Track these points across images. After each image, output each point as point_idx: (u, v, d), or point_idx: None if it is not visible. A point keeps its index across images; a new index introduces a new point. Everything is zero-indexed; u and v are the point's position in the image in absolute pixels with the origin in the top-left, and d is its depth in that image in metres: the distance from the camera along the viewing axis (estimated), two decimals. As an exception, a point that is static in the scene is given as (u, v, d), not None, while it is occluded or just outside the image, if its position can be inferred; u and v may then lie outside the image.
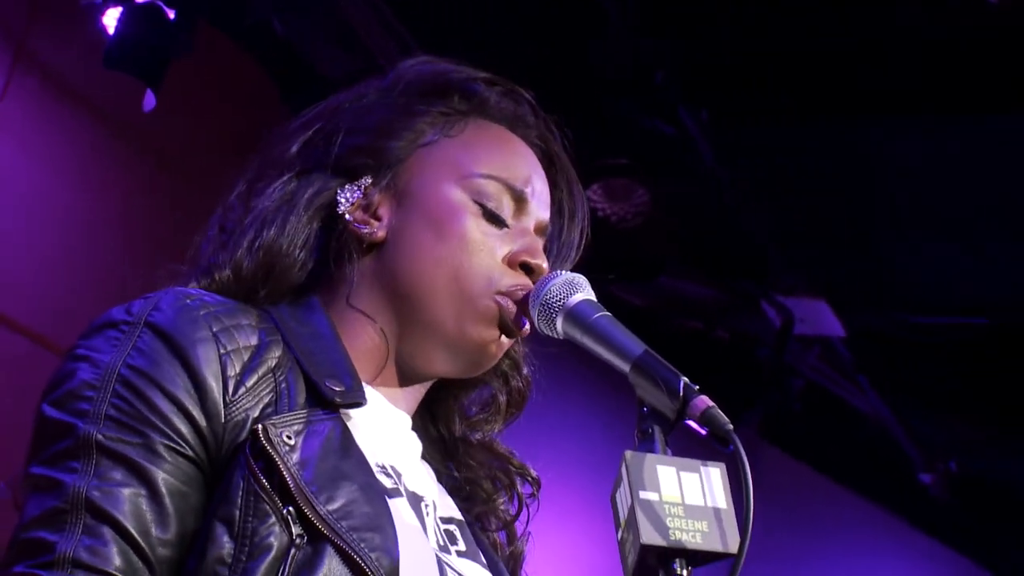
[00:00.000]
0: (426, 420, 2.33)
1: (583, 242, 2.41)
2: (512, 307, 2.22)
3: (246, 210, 2.27)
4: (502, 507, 2.34)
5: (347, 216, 2.25)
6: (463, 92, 2.35)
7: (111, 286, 5.27)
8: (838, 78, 5.80)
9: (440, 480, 2.29)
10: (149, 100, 5.86)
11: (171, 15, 5.73)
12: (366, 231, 2.25)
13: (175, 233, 5.80)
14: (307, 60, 6.28)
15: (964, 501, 7.70)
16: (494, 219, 2.25)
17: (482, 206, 2.25)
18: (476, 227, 2.24)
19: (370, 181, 2.27)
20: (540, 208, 2.31)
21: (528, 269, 2.22)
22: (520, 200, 2.28)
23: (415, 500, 2.17)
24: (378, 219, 2.27)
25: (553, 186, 2.37)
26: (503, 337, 2.23)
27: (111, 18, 5.74)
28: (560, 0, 5.79)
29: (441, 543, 2.16)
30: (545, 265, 2.24)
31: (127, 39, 5.75)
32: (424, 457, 2.28)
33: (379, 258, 2.25)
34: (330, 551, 1.94)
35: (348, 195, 2.26)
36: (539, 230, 2.30)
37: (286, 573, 1.93)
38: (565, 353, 2.25)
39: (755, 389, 6.69)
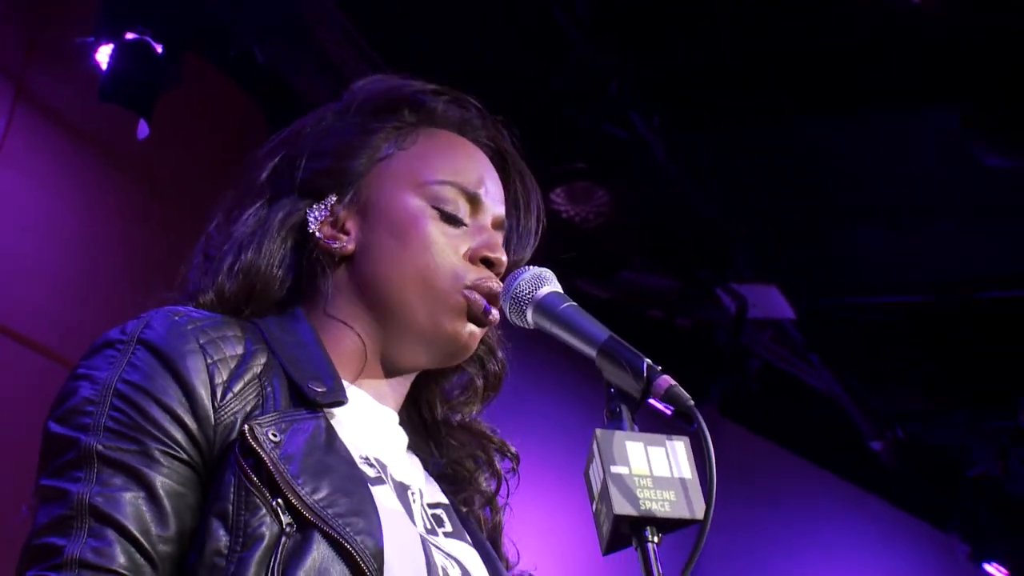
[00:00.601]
0: (411, 408, 2.32)
1: (540, 229, 2.41)
2: (479, 299, 2.21)
3: (225, 237, 2.26)
4: (484, 484, 2.32)
5: (317, 234, 2.24)
6: (412, 105, 2.33)
7: (112, 302, 5.28)
8: (778, 80, 5.82)
9: (427, 468, 2.28)
10: (142, 129, 5.86)
11: (159, 49, 5.71)
12: (336, 246, 2.24)
13: (168, 254, 5.79)
14: (289, 86, 6.28)
15: (911, 465, 7.72)
16: (452, 220, 2.24)
17: (439, 210, 2.24)
18: (436, 230, 2.22)
19: (335, 199, 2.26)
20: (495, 205, 2.30)
21: (488, 263, 2.22)
22: (474, 200, 2.27)
23: (401, 488, 2.16)
24: (346, 233, 2.25)
25: (506, 181, 2.36)
26: (474, 327, 2.22)
27: (103, 55, 5.73)
28: (520, 21, 5.78)
29: (428, 526, 2.16)
30: (504, 257, 2.24)
31: (119, 74, 5.74)
32: (410, 449, 2.27)
33: (351, 269, 2.25)
34: (318, 537, 1.94)
35: (316, 214, 2.25)
36: (496, 225, 2.29)
37: (279, 560, 1.92)
38: (539, 342, 2.26)
39: (714, 371, 6.71)
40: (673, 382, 1.96)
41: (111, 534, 1.93)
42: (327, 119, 2.34)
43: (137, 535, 1.93)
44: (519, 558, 2.33)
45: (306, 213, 2.24)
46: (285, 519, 1.94)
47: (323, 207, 2.25)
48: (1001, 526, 7.48)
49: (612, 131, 6.06)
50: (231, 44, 6.08)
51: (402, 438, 2.24)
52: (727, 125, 6.14)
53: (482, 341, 2.31)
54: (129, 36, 5.70)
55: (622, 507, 1.87)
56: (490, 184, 2.30)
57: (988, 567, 7.53)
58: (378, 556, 1.95)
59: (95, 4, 5.83)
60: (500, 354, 2.36)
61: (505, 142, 2.37)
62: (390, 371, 2.24)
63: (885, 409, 7.54)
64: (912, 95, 5.75)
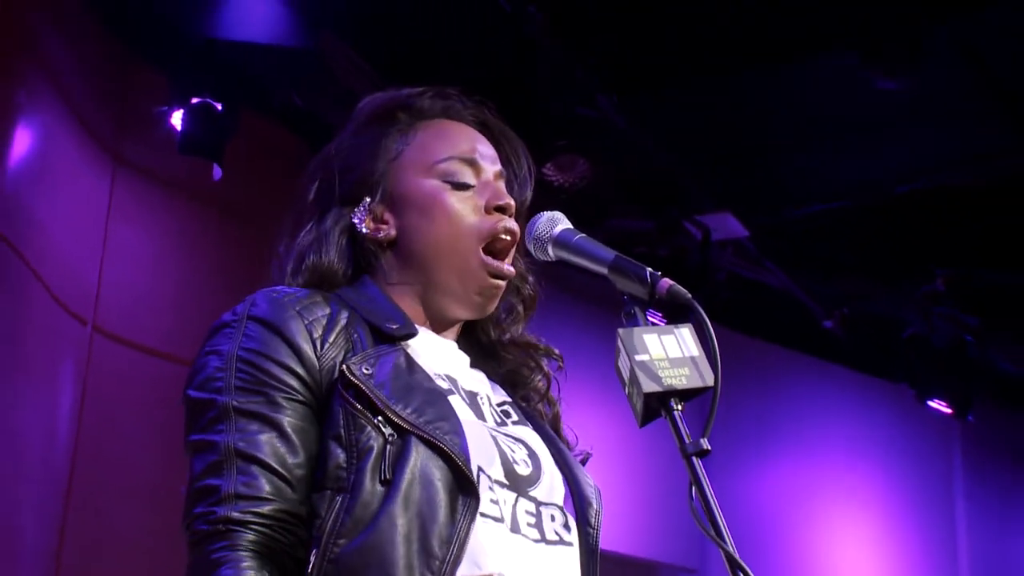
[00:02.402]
0: (469, 336, 2.29)
1: (533, 172, 2.36)
2: (495, 264, 2.20)
3: (292, 252, 2.24)
4: (538, 383, 2.29)
5: (364, 230, 2.21)
6: (403, 108, 2.28)
7: (204, 309, 5.29)
8: (709, 47, 5.82)
9: (491, 378, 2.25)
10: (216, 172, 5.93)
11: (219, 108, 5.79)
12: (381, 235, 2.21)
13: (244, 268, 5.90)
14: (325, 121, 6.31)
15: (858, 335, 7.73)
16: (461, 187, 2.20)
17: (449, 182, 2.20)
18: (452, 198, 2.19)
19: (370, 200, 2.22)
20: (491, 163, 2.25)
21: (500, 208, 2.20)
22: (473, 164, 2.22)
23: (471, 395, 2.14)
24: (385, 223, 2.22)
25: (496, 143, 2.30)
26: (497, 282, 2.20)
27: (177, 119, 5.82)
28: (496, 38, 5.79)
29: (498, 420, 2.15)
30: (511, 201, 2.22)
31: (191, 131, 5.83)
32: (474, 366, 2.24)
33: (396, 250, 2.21)
34: (415, 441, 1.93)
35: (359, 215, 2.22)
36: (497, 177, 2.25)
37: (387, 464, 1.92)
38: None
39: (691, 286, 6.72)
40: (672, 282, 1.98)
41: (255, 469, 1.94)
42: (346, 140, 2.30)
43: (276, 466, 1.94)
44: (578, 440, 2.31)
45: (351, 217, 2.22)
46: (387, 432, 1.94)
47: (362, 208, 2.22)
48: (935, 371, 7.50)
49: (583, 112, 6.08)
50: (274, 95, 6.11)
51: (464, 359, 2.22)
52: (672, 90, 6.14)
53: (517, 273, 2.28)
54: (194, 101, 5.78)
55: (649, 386, 1.87)
56: (482, 148, 2.26)
57: (932, 403, 7.56)
58: (464, 450, 1.95)
59: (164, 80, 5.89)
60: (531, 279, 2.32)
61: (485, 114, 2.33)
62: (442, 321, 2.22)
63: (831, 294, 7.54)
64: (818, 43, 5.76)
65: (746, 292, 7.42)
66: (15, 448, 5.41)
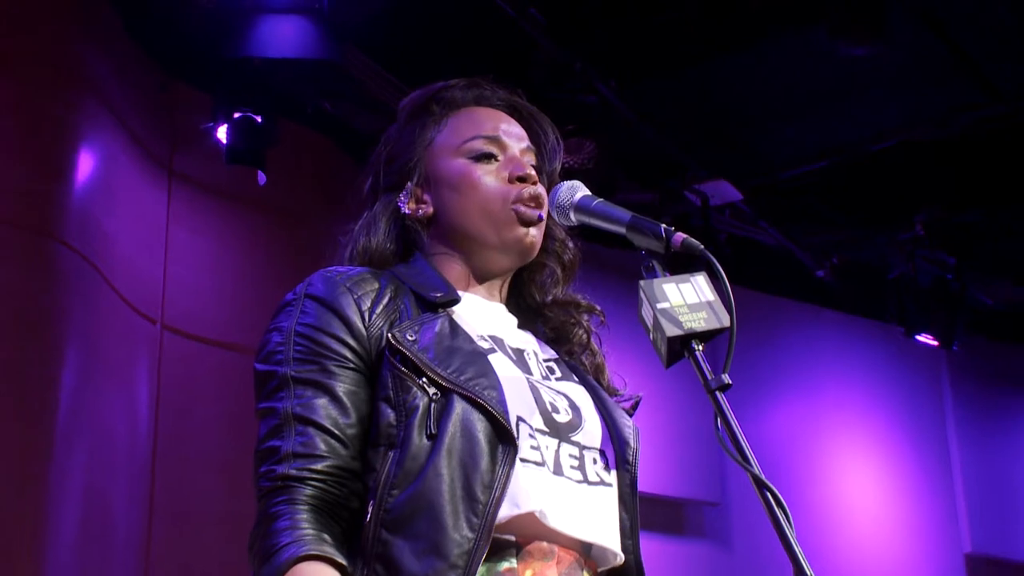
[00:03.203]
0: (517, 299, 2.30)
1: (560, 146, 2.34)
2: (525, 210, 2.17)
3: (349, 239, 2.26)
4: (581, 336, 2.27)
5: (406, 210, 2.22)
6: (437, 100, 2.28)
7: (258, 301, 5.36)
8: (695, 32, 5.82)
9: (538, 337, 2.24)
10: (261, 178, 5.98)
11: (259, 120, 5.81)
12: (421, 213, 2.21)
13: (290, 261, 5.91)
14: (351, 124, 6.34)
15: (848, 280, 7.73)
16: (486, 159, 2.19)
17: (474, 158, 2.19)
18: (478, 171, 2.18)
19: (411, 184, 2.23)
20: (517, 140, 2.23)
21: (521, 179, 2.17)
22: (497, 141, 2.21)
23: (518, 352, 2.14)
24: (424, 203, 2.22)
25: (526, 123, 2.28)
26: (530, 229, 2.17)
27: (222, 132, 5.85)
28: (500, 42, 5.80)
29: (544, 374, 2.13)
30: (532, 172, 2.19)
31: (236, 143, 5.86)
32: (521, 327, 2.23)
33: (437, 223, 2.21)
34: (456, 398, 1.93)
35: (403, 199, 2.23)
36: (524, 153, 2.23)
37: (432, 419, 1.93)
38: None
39: (696, 247, 6.74)
40: (685, 235, 1.96)
41: (311, 430, 1.95)
42: (391, 136, 2.31)
43: (330, 427, 1.95)
44: (626, 385, 2.30)
45: (396, 201, 2.23)
46: (431, 391, 1.94)
47: (406, 192, 2.23)
48: (920, 308, 7.49)
49: (585, 99, 6.08)
50: (307, 103, 6.14)
51: (512, 320, 2.22)
52: (665, 74, 6.14)
53: (556, 239, 2.29)
54: (236, 115, 5.81)
55: (672, 331, 1.86)
56: (508, 127, 2.24)
57: (919, 338, 7.57)
58: (502, 403, 1.95)
59: (207, 99, 5.92)
60: (571, 244, 2.31)
61: (514, 97, 2.31)
62: (488, 278, 2.21)
63: (821, 246, 7.54)
64: (790, 20, 5.76)
65: (745, 250, 7.42)
66: (105, 437, 5.48)
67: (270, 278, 6.08)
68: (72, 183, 5.51)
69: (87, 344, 5.43)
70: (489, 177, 2.18)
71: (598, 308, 2.31)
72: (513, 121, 2.27)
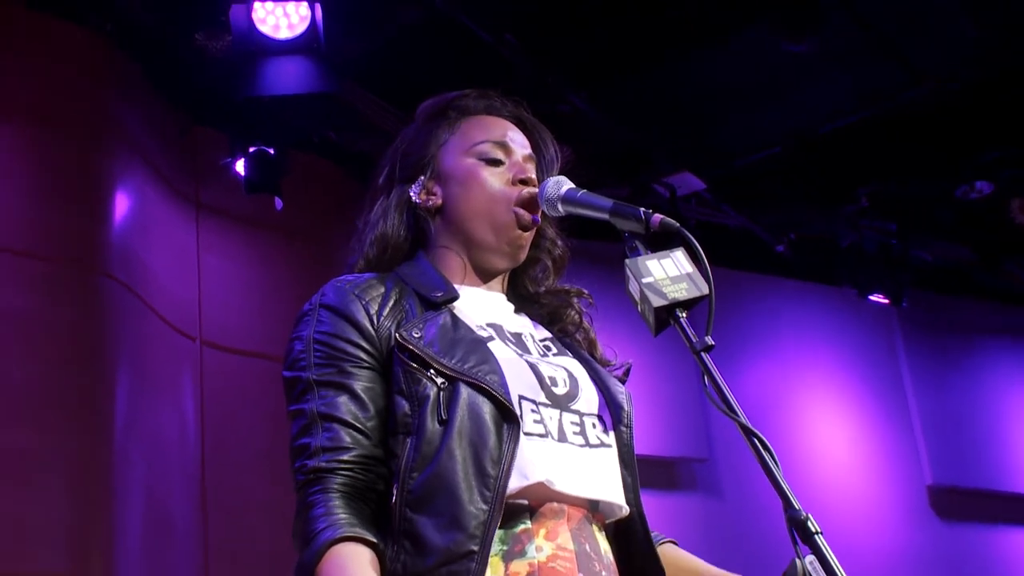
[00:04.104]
0: (514, 289, 2.28)
1: (559, 154, 2.32)
2: (524, 213, 2.15)
3: (365, 225, 2.25)
4: (572, 316, 2.27)
5: (417, 200, 2.21)
6: (452, 106, 2.27)
7: (283, 312, 5.38)
8: (649, 37, 5.82)
9: (533, 320, 2.23)
10: (278, 204, 5.97)
11: (272, 152, 5.82)
12: (430, 204, 2.20)
13: (305, 275, 5.92)
14: (354, 149, 6.35)
15: (804, 252, 7.72)
16: (493, 163, 2.18)
17: (483, 160, 2.18)
18: (485, 172, 2.17)
19: (423, 178, 2.21)
20: (521, 147, 2.22)
21: (523, 181, 2.17)
22: (504, 146, 2.20)
23: (516, 336, 2.12)
24: (434, 194, 2.20)
25: (529, 133, 2.28)
26: (523, 232, 2.17)
27: (240, 166, 5.85)
28: (481, 61, 5.81)
29: (542, 352, 2.12)
30: (533, 176, 2.19)
31: (253, 174, 5.86)
32: (519, 312, 2.22)
33: (443, 215, 2.20)
34: (462, 385, 1.93)
35: (415, 190, 2.21)
36: (527, 160, 2.22)
37: (442, 406, 1.93)
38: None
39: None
40: (662, 216, 1.97)
41: (336, 426, 1.95)
42: (408, 134, 2.30)
43: (352, 421, 1.95)
44: (616, 356, 2.29)
45: (408, 191, 2.21)
46: (439, 381, 1.94)
47: (417, 185, 2.21)
48: (870, 271, 7.49)
49: (559, 109, 6.08)
50: (313, 135, 6.16)
51: (510, 307, 2.21)
52: (627, 78, 6.14)
53: (547, 238, 2.28)
54: (252, 149, 5.81)
55: (657, 301, 1.85)
56: (514, 135, 2.23)
57: (872, 298, 7.58)
58: (503, 385, 1.95)
59: (224, 137, 5.95)
60: (560, 243, 2.30)
61: (520, 110, 2.31)
62: (485, 272, 2.21)
63: (779, 224, 7.52)
64: (735, 21, 5.77)
65: (711, 233, 7.37)
66: (158, 445, 5.53)
67: (292, 291, 6.08)
68: (112, 223, 5.59)
69: (136, 363, 5.49)
70: (494, 179, 2.18)
71: (586, 292, 2.31)
72: (519, 131, 2.26)
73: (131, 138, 5.78)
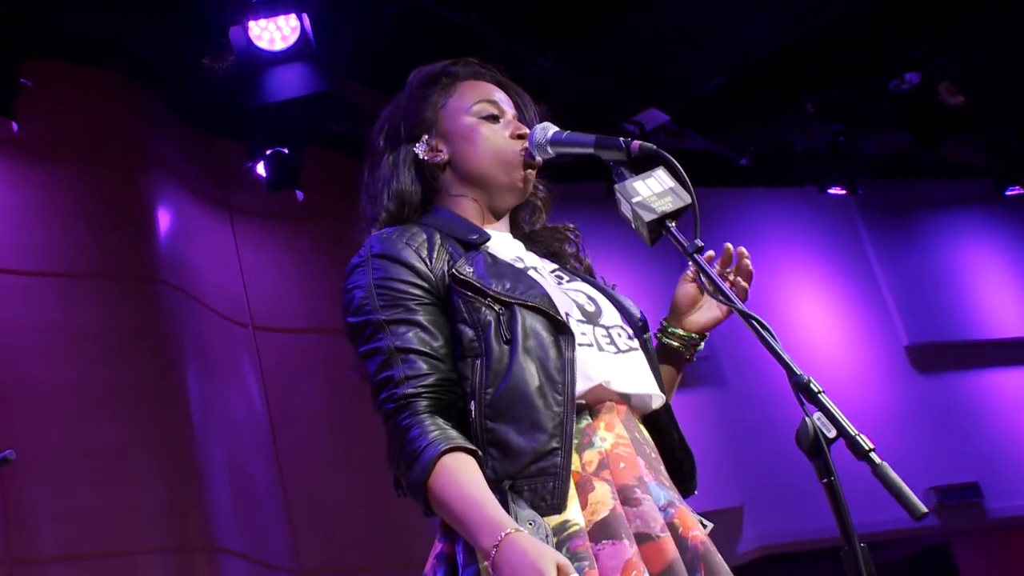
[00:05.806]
0: (515, 231, 2.25)
1: (538, 114, 2.25)
2: (529, 148, 2.13)
3: (374, 181, 2.19)
4: (570, 249, 2.26)
5: (425, 158, 2.16)
6: (444, 74, 2.23)
7: (321, 289, 5.46)
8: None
9: (539, 254, 2.21)
10: (299, 196, 5.97)
11: (287, 151, 5.82)
12: (438, 160, 2.16)
13: (326, 258, 5.89)
14: (359, 138, 6.30)
15: (768, 165, 7.61)
16: (493, 119, 2.17)
17: (483, 118, 2.16)
18: (487, 129, 2.15)
19: (427, 136, 2.16)
20: (509, 107, 2.20)
21: (520, 136, 2.14)
22: (496, 106, 2.18)
23: (534, 269, 2.11)
24: (440, 151, 2.16)
25: (511, 95, 2.25)
26: (529, 172, 2.15)
27: (260, 168, 5.86)
28: (454, 40, 5.78)
29: (557, 281, 2.12)
30: (527, 130, 2.16)
31: (273, 174, 5.88)
32: (528, 249, 2.20)
33: (452, 168, 2.16)
34: (518, 308, 1.93)
35: (421, 148, 2.16)
36: (516, 118, 2.19)
37: (504, 328, 1.92)
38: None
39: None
40: (641, 141, 1.96)
41: (412, 356, 1.93)
42: (403, 100, 2.24)
43: (425, 350, 1.93)
44: (604, 280, 2.27)
45: (415, 150, 2.17)
46: (496, 307, 1.94)
47: (423, 143, 2.16)
48: (825, 168, 7.46)
49: (530, 72, 6.04)
50: (321, 130, 6.15)
51: (520, 244, 2.20)
52: (586, 34, 6.08)
53: (534, 186, 2.25)
54: (268, 151, 5.82)
55: (648, 216, 1.86)
56: (501, 96, 2.22)
57: (831, 191, 7.54)
58: (552, 306, 1.96)
59: (243, 145, 5.95)
60: (541, 186, 2.25)
61: (501, 75, 2.28)
62: (496, 214, 2.19)
63: (739, 140, 7.47)
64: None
65: (681, 159, 7.29)
66: (232, 423, 5.61)
67: (322, 270, 6.11)
68: (159, 236, 5.66)
69: (199, 355, 5.54)
70: (496, 134, 2.16)
71: (572, 225, 2.31)
72: (503, 93, 2.25)
73: (162, 159, 5.83)
